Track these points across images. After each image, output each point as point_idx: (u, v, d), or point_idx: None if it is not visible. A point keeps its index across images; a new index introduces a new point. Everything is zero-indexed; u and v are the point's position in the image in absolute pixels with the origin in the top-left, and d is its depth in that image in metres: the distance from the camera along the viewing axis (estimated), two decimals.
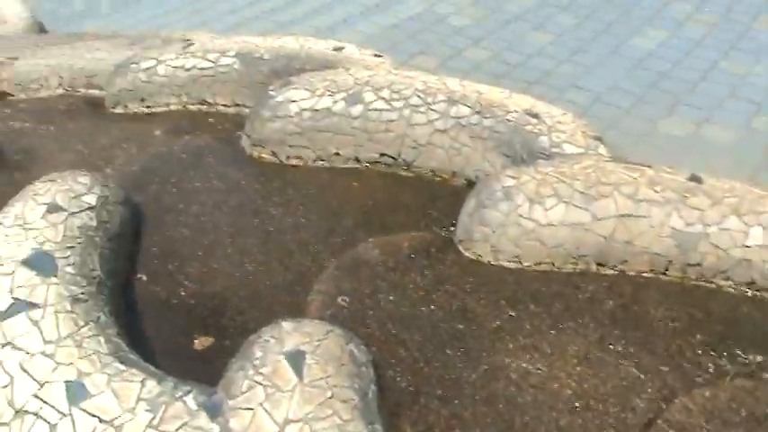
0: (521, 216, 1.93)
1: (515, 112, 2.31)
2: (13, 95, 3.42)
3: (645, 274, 1.98)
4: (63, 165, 2.51)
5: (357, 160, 2.45)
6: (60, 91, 3.28)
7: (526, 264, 1.97)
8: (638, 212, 1.93)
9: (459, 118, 2.33)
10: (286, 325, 1.52)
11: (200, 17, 4.79)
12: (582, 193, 1.94)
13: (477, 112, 2.32)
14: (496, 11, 3.59)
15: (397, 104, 2.37)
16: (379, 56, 2.80)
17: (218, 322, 1.82)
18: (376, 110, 2.37)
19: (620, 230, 1.93)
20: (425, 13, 3.52)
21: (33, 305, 1.51)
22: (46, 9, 6.07)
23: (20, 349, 1.43)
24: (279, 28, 3.83)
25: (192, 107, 2.89)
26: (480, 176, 2.29)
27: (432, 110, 2.35)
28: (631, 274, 1.98)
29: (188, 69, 2.87)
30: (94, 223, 1.83)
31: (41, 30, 5.40)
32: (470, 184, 2.32)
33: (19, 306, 1.51)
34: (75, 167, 2.46)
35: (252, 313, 1.85)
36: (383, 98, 2.38)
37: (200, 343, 1.78)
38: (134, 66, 2.95)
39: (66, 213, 1.78)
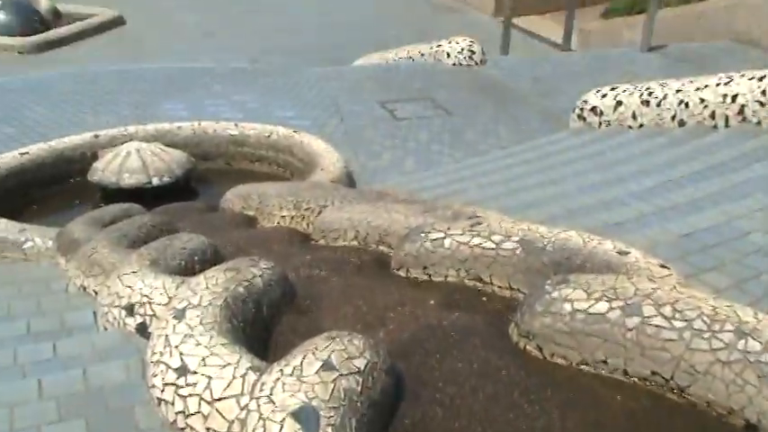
0: None
1: None
2: (315, 240, 3.82)
3: None
4: (343, 318, 2.72)
5: (625, 373, 2.34)
6: (355, 243, 3.59)
7: None
8: None
9: (747, 353, 2.14)
10: None
11: (491, 190, 5.02)
12: None
13: None
14: None
15: (678, 324, 2.25)
16: (666, 267, 2.71)
17: None
18: (654, 326, 2.27)
19: None
20: (724, 226, 3.35)
21: None
22: (358, 160, 6.79)
23: None
24: (567, 215, 3.88)
25: (468, 282, 2.99)
26: (764, 423, 2.05)
27: (717, 338, 2.19)
28: None
29: (471, 246, 3.00)
30: (359, 388, 1.93)
31: (351, 180, 6.04)
32: (750, 428, 2.09)
33: None
34: (353, 323, 2.67)
35: None
36: (664, 315, 2.27)
37: None
38: (423, 234, 3.15)
39: (337, 373, 1.91)
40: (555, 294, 2.46)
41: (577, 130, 7.00)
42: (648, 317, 2.29)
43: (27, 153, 5.83)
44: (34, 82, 8.89)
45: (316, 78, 9.23)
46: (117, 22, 16.19)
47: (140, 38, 15.37)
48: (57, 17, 16.38)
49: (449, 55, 9.90)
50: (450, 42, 10.10)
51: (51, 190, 5.91)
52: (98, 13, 16.28)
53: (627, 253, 2.76)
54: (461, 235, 3.06)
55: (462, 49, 9.87)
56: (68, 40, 14.84)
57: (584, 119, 7.10)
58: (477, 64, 9.85)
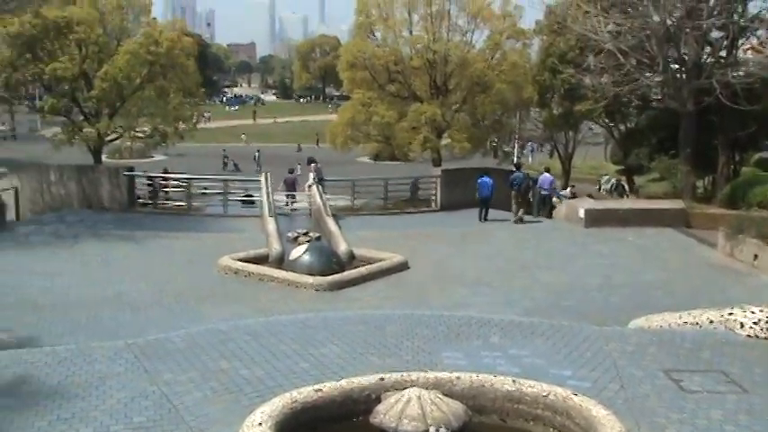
0: None
1: None
2: None
3: None
4: None
5: None
6: None
7: None
8: None
9: None
10: None
11: None
12: None
13: None
14: None
15: None
16: None
17: None
18: None
19: None
20: None
21: None
22: None
23: None
24: None
25: None
26: None
27: None
28: None
29: None
30: None
31: None
32: None
33: None
34: None
35: None
36: None
37: None
38: None
39: None
40: None
41: None
42: None
43: (321, 390, 6.25)
44: (329, 321, 9.73)
45: (594, 338, 9.03)
46: (402, 266, 17.49)
47: (421, 282, 16.37)
48: (351, 259, 18.21)
49: (742, 325, 9.22)
50: (744, 311, 9.45)
51: (334, 427, 6.19)
52: (387, 257, 17.78)
53: None
54: None
55: (759, 320, 9.16)
56: (359, 280, 16.25)
57: None
58: None
